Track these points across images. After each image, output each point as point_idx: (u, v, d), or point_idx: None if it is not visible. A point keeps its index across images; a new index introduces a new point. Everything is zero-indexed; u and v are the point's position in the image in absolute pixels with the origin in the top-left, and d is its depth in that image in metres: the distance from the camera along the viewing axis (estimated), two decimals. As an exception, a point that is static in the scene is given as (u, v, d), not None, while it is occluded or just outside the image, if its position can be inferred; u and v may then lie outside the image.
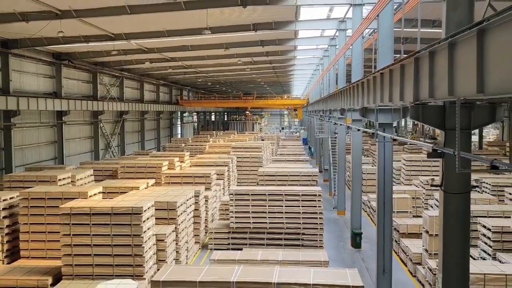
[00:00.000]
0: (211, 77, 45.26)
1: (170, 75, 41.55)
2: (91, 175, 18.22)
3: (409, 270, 13.84)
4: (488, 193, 18.20)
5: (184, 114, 58.28)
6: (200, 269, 7.70)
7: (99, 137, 31.60)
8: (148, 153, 28.33)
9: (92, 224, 10.64)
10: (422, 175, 21.49)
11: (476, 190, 19.10)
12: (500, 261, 11.16)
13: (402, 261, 14.72)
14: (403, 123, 54.10)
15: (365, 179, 23.72)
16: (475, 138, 41.00)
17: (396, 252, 15.61)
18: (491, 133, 54.05)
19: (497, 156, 25.41)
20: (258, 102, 57.38)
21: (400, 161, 24.02)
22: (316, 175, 19.89)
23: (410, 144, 27.75)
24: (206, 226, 16.96)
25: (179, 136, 54.88)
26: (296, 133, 67.11)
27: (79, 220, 10.64)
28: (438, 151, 6.34)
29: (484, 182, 18.85)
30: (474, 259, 12.62)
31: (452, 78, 4.98)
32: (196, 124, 67.44)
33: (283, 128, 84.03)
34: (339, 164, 21.85)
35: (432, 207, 16.00)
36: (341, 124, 18.57)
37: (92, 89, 30.95)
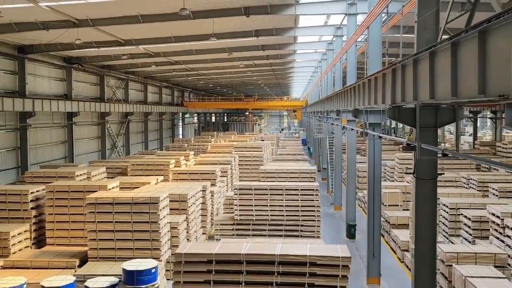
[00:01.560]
0: (212, 79, 46.78)
1: (173, 77, 43.07)
2: (104, 172, 19.67)
3: (398, 257, 15.33)
4: (475, 188, 19.71)
5: (185, 115, 59.76)
6: (214, 245, 9.18)
7: (106, 137, 33.09)
8: (153, 153, 29.78)
9: (115, 212, 12.10)
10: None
11: (463, 186, 20.64)
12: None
13: (392, 249, 16.21)
14: (400, 125, 55.66)
15: (360, 177, 25.22)
16: (470, 139, 42.94)
17: (387, 242, 17.13)
18: (488, 134, 55.63)
19: (486, 155, 26.88)
20: (259, 104, 58.96)
21: (394, 160, 25.52)
22: (314, 172, 21.34)
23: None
24: (212, 219, 18.42)
25: (180, 136, 56.40)
26: (295, 134, 68.60)
27: (103, 209, 12.10)
28: (411, 145, 7.83)
29: (471, 179, 20.37)
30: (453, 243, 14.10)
31: (416, 87, 6.48)
32: (196, 125, 68.98)
33: (282, 129, 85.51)
34: (335, 162, 23.34)
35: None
36: (337, 125, 20.07)
37: (100, 91, 32.44)
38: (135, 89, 39.92)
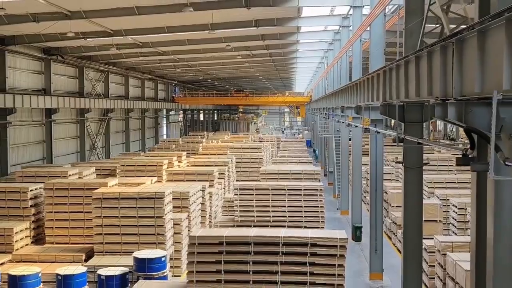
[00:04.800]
0: (203, 70, 49.90)
1: (158, 68, 46.15)
2: (94, 172, 22.70)
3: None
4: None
5: (171, 112, 62.81)
6: (224, 229, 12.24)
7: (85, 137, 36.09)
8: (136, 155, 32.61)
9: (121, 207, 15.14)
10: (427, 175, 26.10)
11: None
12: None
13: (399, 250, 19.32)
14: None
15: (369, 179, 28.33)
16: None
17: (394, 244, 20.26)
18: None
19: None
20: (258, 99, 62.16)
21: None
22: (319, 174, 24.37)
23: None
24: (210, 221, 21.44)
25: (164, 137, 59.43)
26: (299, 134, 71.66)
27: (109, 204, 15.13)
28: (400, 137, 10.92)
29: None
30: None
31: (398, 87, 9.57)
32: (182, 124, 71.93)
33: (284, 130, 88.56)
34: (342, 163, 26.47)
35: (427, 197, 20.91)
36: (343, 122, 23.18)
37: (78, 84, 35.47)
38: (116, 82, 42.94)
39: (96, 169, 25.06)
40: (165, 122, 61.57)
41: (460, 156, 6.49)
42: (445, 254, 13.51)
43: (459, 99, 5.99)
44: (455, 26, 9.45)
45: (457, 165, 6.54)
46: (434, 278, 14.72)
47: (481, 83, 5.28)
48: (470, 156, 6.39)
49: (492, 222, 6.06)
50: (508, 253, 6.03)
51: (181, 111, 68.30)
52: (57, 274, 13.16)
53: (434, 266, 14.73)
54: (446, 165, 27.03)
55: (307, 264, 11.22)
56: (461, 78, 5.93)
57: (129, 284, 13.25)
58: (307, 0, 21.04)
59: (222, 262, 11.31)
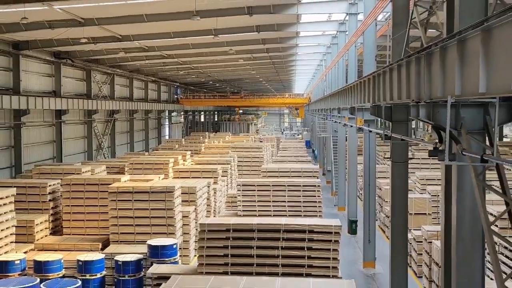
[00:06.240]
0: (205, 73, 51.25)
1: (162, 71, 47.50)
2: (105, 170, 24.02)
3: (395, 248, 19.73)
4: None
5: (173, 114, 64.12)
6: (231, 218, 13.56)
7: (92, 137, 37.44)
8: (141, 155, 33.96)
9: (134, 200, 16.45)
10: (420, 172, 27.42)
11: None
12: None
13: (391, 242, 20.64)
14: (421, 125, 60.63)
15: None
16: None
17: (387, 237, 21.54)
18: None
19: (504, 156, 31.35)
20: (259, 101, 63.54)
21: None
22: (317, 171, 25.70)
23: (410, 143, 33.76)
24: (214, 216, 22.75)
25: (167, 137, 60.74)
26: (298, 135, 72.96)
27: (124, 197, 16.44)
28: (388, 135, 12.24)
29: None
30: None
31: (384, 90, 10.89)
32: (184, 125, 73.25)
33: (284, 130, 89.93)
34: (339, 162, 27.79)
35: (419, 193, 22.17)
36: (339, 122, 24.50)
37: (86, 87, 36.80)
38: (121, 84, 44.29)
39: (106, 167, 26.45)
40: (167, 123, 62.90)
41: (431, 149, 7.81)
42: (431, 242, 14.82)
43: (428, 101, 7.31)
44: (440, 32, 10.81)
45: (429, 156, 7.85)
46: (422, 265, 16.05)
47: (442, 89, 6.60)
48: (439, 149, 7.70)
49: (456, 204, 7.38)
50: (468, 228, 7.35)
51: (183, 112, 69.60)
52: (78, 260, 14.45)
53: (422, 254, 16.05)
54: (439, 163, 28.25)
55: (305, 249, 12.53)
56: (430, 84, 7.25)
57: (143, 269, 14.55)
58: (306, 8, 22.34)
59: (229, 247, 12.61)
